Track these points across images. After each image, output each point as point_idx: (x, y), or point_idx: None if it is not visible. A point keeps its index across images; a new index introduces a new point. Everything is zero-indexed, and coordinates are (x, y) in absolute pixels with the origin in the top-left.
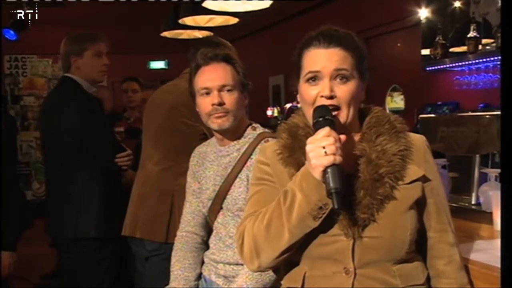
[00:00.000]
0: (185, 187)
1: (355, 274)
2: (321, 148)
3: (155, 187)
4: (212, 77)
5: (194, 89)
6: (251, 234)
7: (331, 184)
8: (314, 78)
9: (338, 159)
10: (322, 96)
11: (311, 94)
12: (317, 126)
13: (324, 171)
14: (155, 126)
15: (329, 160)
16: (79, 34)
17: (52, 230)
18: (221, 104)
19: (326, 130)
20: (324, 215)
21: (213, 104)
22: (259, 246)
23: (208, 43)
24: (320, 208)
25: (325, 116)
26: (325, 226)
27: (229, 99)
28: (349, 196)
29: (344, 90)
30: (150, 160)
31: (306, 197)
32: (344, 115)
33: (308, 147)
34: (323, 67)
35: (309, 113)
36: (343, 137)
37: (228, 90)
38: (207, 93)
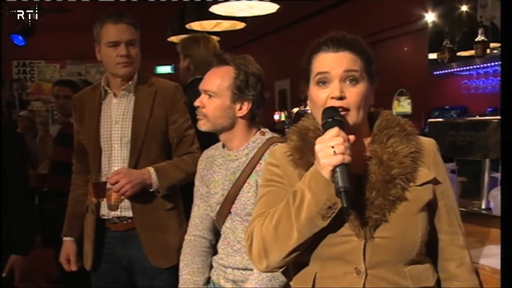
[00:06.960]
0: None
1: (367, 274)
2: (330, 148)
3: None
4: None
5: None
6: (260, 234)
7: (340, 183)
8: (323, 80)
9: (347, 158)
10: (332, 98)
11: (321, 96)
12: (326, 127)
13: (333, 171)
14: None
15: (338, 159)
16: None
17: None
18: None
19: (335, 130)
20: (333, 215)
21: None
22: (267, 246)
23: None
24: (329, 207)
25: (334, 116)
26: (336, 226)
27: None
28: (361, 197)
29: (354, 93)
30: None
31: (315, 197)
32: (353, 116)
33: (317, 147)
34: (332, 69)
35: (319, 115)
36: (352, 137)
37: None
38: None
